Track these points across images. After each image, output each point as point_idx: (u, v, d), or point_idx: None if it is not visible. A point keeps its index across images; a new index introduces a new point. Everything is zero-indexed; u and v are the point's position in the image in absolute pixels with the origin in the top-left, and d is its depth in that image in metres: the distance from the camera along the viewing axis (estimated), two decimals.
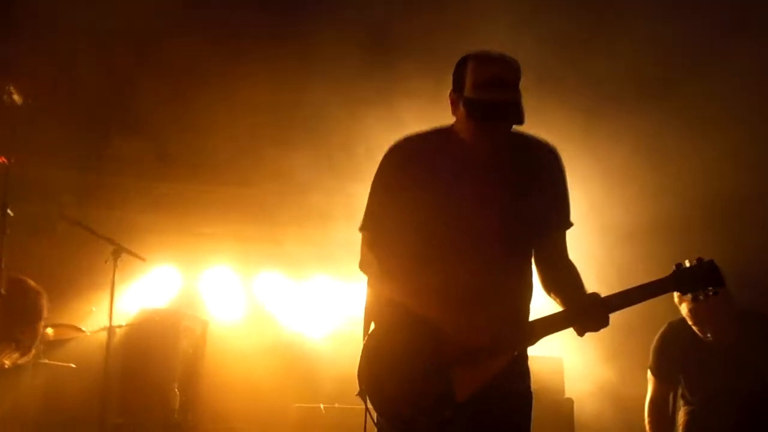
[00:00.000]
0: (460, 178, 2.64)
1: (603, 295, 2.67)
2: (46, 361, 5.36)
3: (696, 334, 4.05)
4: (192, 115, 6.22)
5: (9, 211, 3.06)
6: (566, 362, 5.98)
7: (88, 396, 5.54)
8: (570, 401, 5.87)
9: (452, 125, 2.71)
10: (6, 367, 3.27)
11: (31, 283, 3.44)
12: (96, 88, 6.09)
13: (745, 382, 4.03)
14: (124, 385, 5.91)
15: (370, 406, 2.55)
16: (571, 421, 5.80)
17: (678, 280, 2.65)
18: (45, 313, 3.42)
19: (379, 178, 2.72)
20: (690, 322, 4.03)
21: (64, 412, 5.90)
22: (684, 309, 4.02)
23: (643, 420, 4.22)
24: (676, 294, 3.88)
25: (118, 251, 5.30)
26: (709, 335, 4.01)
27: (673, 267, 2.67)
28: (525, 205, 2.66)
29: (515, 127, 2.67)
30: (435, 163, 2.68)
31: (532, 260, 2.77)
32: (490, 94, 2.55)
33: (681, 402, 4.21)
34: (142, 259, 5.77)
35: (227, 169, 6.67)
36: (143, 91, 6.04)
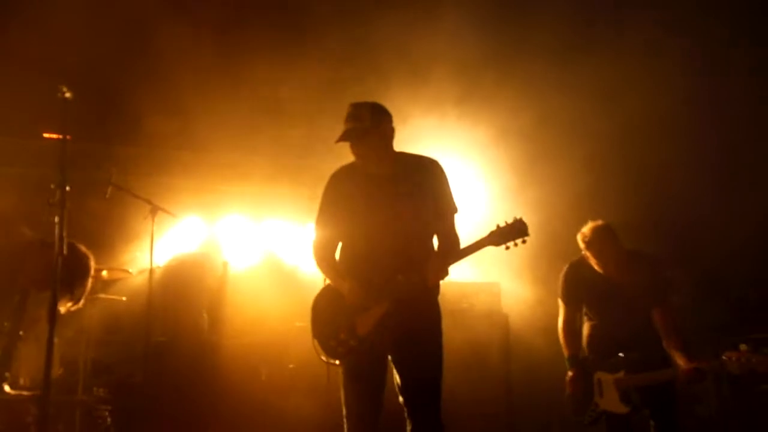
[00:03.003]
0: (372, 194, 3.36)
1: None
2: (103, 295, 5.82)
3: (593, 269, 4.41)
4: (215, 93, 6.24)
5: (67, 187, 3.24)
6: (503, 287, 6.24)
7: (136, 321, 5.90)
8: (505, 316, 6.25)
9: None
10: (62, 313, 3.43)
11: (83, 247, 3.71)
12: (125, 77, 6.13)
13: (633, 312, 4.29)
14: (164, 312, 6.25)
15: (318, 347, 3.39)
16: (507, 332, 6.19)
17: (495, 236, 3.19)
18: (92, 272, 3.71)
19: (324, 195, 3.48)
20: (591, 262, 4.40)
21: (118, 333, 6.27)
22: (583, 249, 4.44)
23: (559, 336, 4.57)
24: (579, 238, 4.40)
25: (154, 209, 5.81)
26: (601, 269, 4.37)
27: (495, 226, 3.20)
28: (419, 203, 3.36)
29: (408, 149, 3.42)
30: (354, 186, 3.38)
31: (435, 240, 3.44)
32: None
33: (585, 318, 4.57)
34: (173, 215, 6.22)
35: (233, 140, 6.87)
36: (169, 76, 6.02)
